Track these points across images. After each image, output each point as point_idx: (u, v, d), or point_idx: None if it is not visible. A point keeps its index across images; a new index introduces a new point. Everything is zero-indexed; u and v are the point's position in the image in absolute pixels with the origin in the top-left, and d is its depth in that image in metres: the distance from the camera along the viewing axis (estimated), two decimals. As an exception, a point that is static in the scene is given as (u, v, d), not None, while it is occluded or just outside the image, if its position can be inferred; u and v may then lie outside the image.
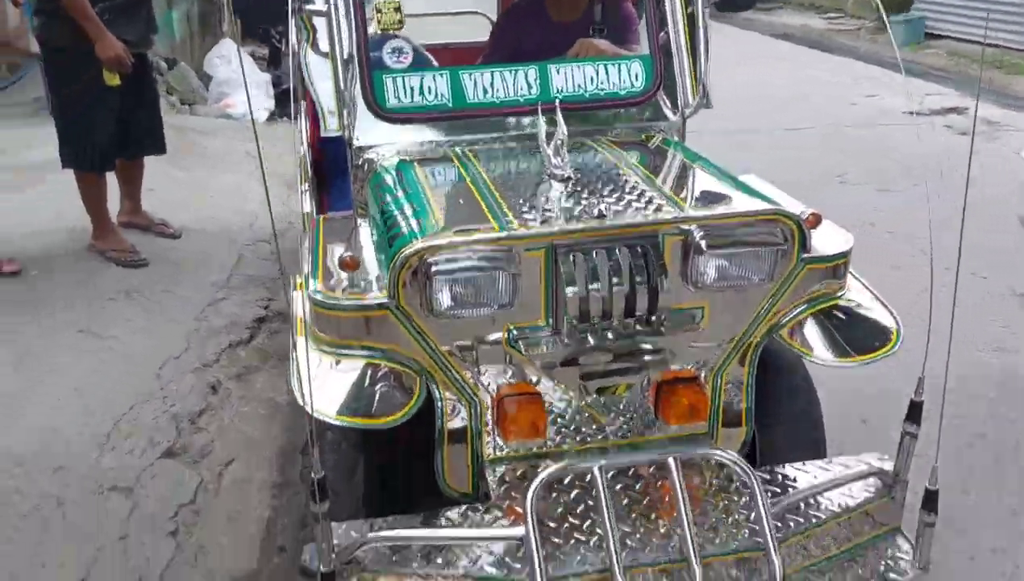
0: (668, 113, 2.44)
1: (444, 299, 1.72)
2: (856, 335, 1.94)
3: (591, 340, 1.76)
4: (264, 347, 3.52)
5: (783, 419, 2.11)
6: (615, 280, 1.73)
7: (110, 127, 3.77)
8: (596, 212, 1.77)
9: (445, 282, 1.71)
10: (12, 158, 5.23)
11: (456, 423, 1.87)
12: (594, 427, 1.94)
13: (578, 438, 1.94)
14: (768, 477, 1.91)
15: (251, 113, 6.31)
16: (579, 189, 1.93)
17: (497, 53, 2.77)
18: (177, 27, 7.78)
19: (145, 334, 3.38)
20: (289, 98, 6.70)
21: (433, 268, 1.69)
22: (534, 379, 1.86)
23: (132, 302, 3.62)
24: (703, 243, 1.76)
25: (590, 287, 1.73)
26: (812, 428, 2.12)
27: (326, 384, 1.74)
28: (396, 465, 2.02)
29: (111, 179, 4.05)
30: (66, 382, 2.98)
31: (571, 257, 1.73)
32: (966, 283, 3.56)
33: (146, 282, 3.80)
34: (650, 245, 1.76)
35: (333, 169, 2.53)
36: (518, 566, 1.67)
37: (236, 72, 7.23)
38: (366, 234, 2.12)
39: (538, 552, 1.59)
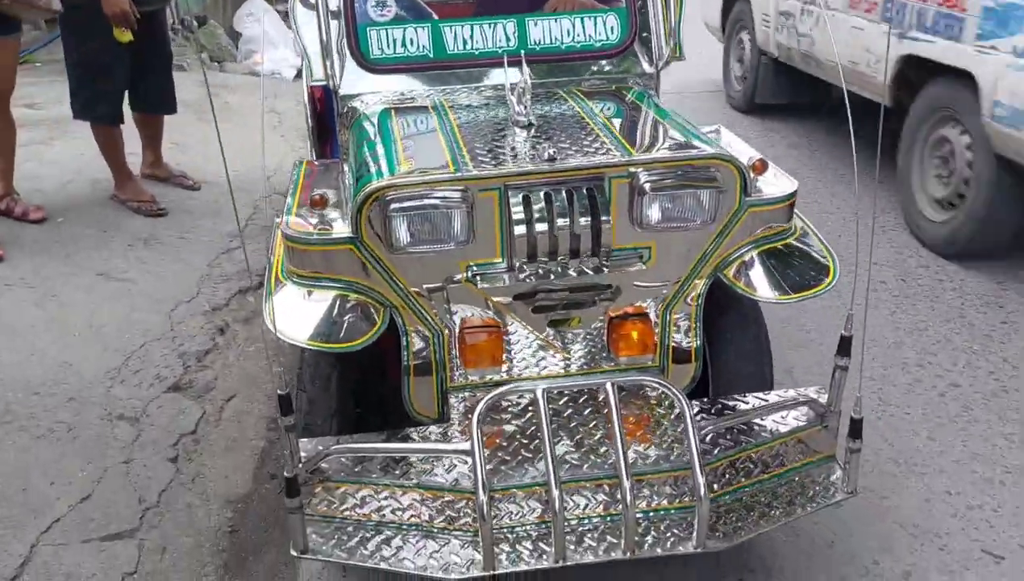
0: (644, 65, 2.52)
1: (403, 235, 1.85)
2: (797, 273, 2.03)
3: (541, 276, 1.91)
4: (272, 293, 3.68)
5: (733, 355, 2.20)
6: (560, 221, 1.85)
7: (119, 82, 3.92)
8: (547, 155, 1.87)
9: (402, 219, 1.84)
10: (45, 112, 5.44)
11: (421, 353, 2.00)
12: (553, 359, 2.06)
13: (536, 370, 2.06)
14: (708, 406, 2.05)
15: (262, 64, 6.44)
16: (538, 135, 2.03)
17: (483, 7, 2.86)
18: (208, -15, 7.92)
19: (159, 278, 3.57)
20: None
21: (392, 206, 1.82)
22: (494, 313, 1.98)
23: (149, 248, 3.80)
24: (647, 185, 1.87)
25: (537, 226, 1.85)
26: (761, 363, 2.20)
27: (299, 312, 1.90)
28: (369, 389, 2.20)
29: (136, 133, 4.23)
30: (82, 320, 3.17)
31: (521, 197, 1.85)
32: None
33: (164, 230, 3.98)
34: (596, 187, 1.88)
35: (334, 119, 2.69)
36: (467, 479, 1.83)
37: (264, 30, 7.36)
38: (346, 178, 2.22)
39: (481, 465, 1.71)
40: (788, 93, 5.89)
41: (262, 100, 2.02)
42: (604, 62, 2.52)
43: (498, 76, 2.39)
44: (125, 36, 3.82)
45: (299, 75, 7.37)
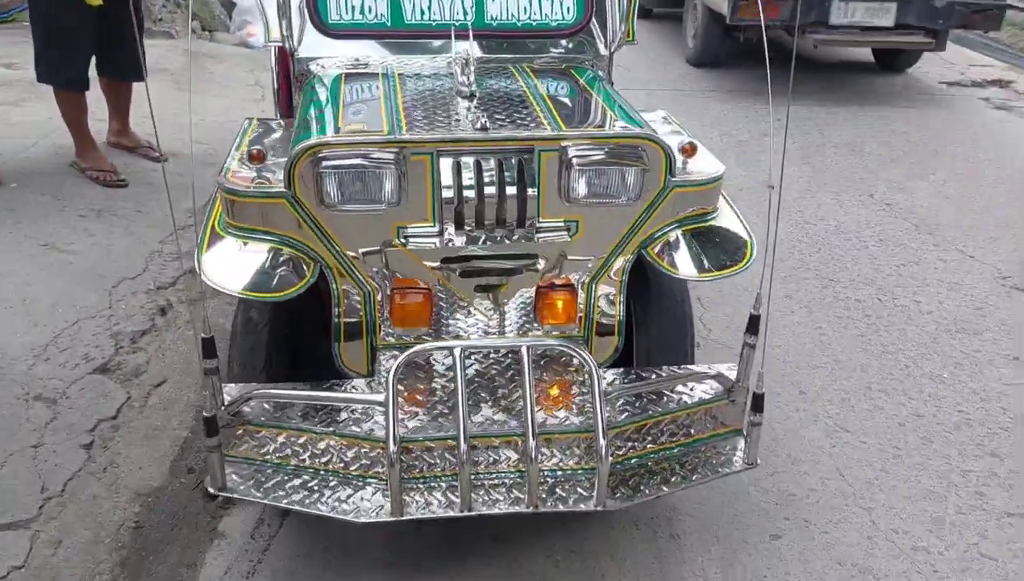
0: (599, 47, 2.61)
1: (333, 191, 1.91)
2: (717, 252, 2.10)
3: (469, 242, 1.98)
4: (223, 274, 3.55)
5: (656, 330, 2.26)
6: (489, 189, 1.92)
7: (86, 47, 3.80)
8: (479, 125, 1.93)
9: (333, 176, 1.90)
10: (22, 73, 5.31)
11: (353, 310, 2.07)
12: (479, 324, 2.12)
13: (464, 333, 2.11)
14: (623, 375, 2.13)
15: (255, 36, 6.28)
16: (478, 106, 2.09)
17: None
18: (206, -48, 7.76)
19: (107, 252, 3.44)
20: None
21: (324, 163, 1.88)
22: (424, 274, 2.04)
23: (101, 220, 3.68)
24: (574, 160, 1.93)
25: (466, 192, 1.91)
26: (683, 338, 2.27)
27: (233, 264, 1.95)
28: (300, 342, 2.25)
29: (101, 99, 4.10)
30: (17, 291, 3.05)
31: (452, 164, 1.92)
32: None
33: (120, 202, 3.86)
34: (525, 159, 1.94)
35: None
36: (382, 429, 1.89)
37: (259, 1, 7.20)
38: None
39: (393, 415, 1.78)
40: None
41: (190, 59, 1.90)
42: (560, 41, 2.60)
43: (452, 48, 2.41)
44: (95, 0, 3.69)
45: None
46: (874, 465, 2.56)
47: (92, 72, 4.03)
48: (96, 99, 4.16)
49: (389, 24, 2.51)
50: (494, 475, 1.92)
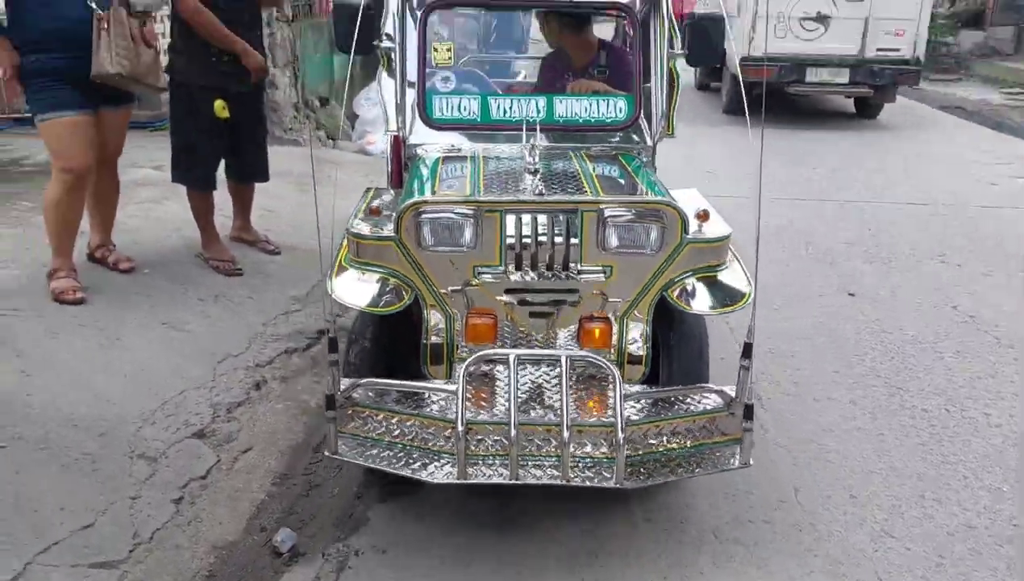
0: (647, 138, 3.18)
1: (428, 237, 2.52)
2: (723, 293, 2.62)
3: (525, 278, 2.57)
4: (317, 356, 3.90)
5: (677, 358, 2.76)
6: (542, 239, 2.51)
7: (215, 153, 4.35)
8: (537, 191, 2.54)
9: (428, 225, 2.51)
10: (167, 174, 6.00)
11: (437, 329, 2.66)
12: (536, 342, 2.71)
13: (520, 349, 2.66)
14: (644, 390, 2.67)
15: (373, 144, 6.85)
16: (540, 180, 2.63)
17: (537, 86, 3.71)
18: (337, 70, 8.58)
19: (217, 332, 3.86)
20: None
21: (422, 216, 2.50)
22: (492, 304, 2.62)
23: (217, 304, 4.13)
24: (608, 218, 2.49)
25: (524, 241, 2.52)
26: (700, 365, 2.76)
27: (355, 287, 2.62)
28: (396, 359, 2.83)
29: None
30: (136, 363, 3.47)
31: (515, 220, 2.51)
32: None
33: (235, 289, 4.31)
34: (570, 217, 2.51)
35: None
36: (453, 414, 2.38)
37: (380, 113, 7.87)
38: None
39: (462, 401, 2.33)
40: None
41: (313, 167, 2.46)
42: (613, 134, 3.18)
43: (525, 138, 2.95)
44: (224, 113, 4.26)
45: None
46: (915, 572, 2.56)
47: (221, 174, 4.60)
48: (223, 198, 4.71)
49: (479, 120, 3.14)
50: (538, 458, 2.43)
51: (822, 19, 9.38)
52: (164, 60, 4.22)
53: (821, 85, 9.76)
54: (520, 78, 5.25)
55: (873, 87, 9.72)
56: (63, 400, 3.14)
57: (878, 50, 9.51)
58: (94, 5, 3.63)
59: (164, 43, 4.42)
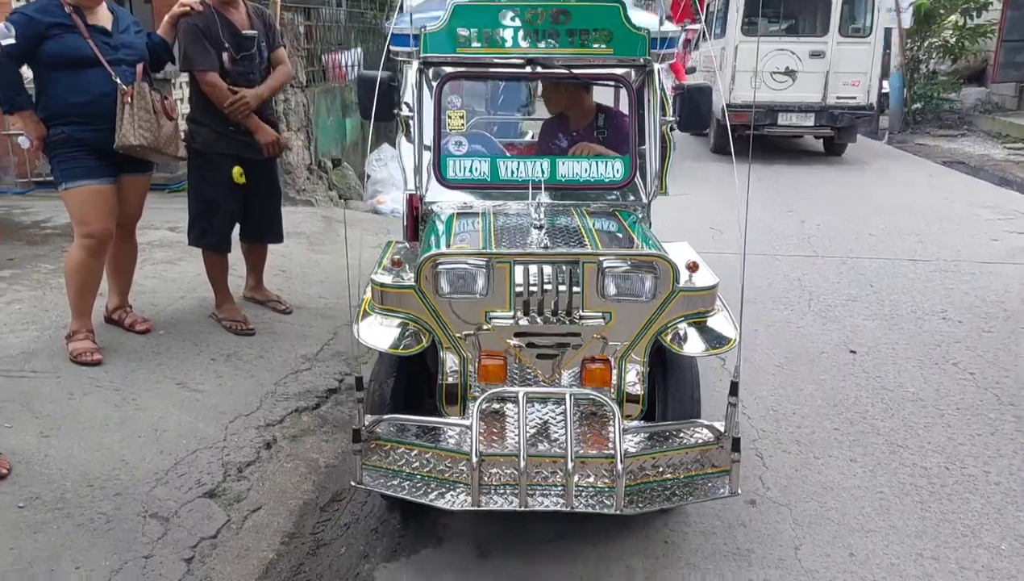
0: (642, 196, 3.46)
1: (445, 286, 2.77)
2: (711, 336, 2.86)
3: (533, 323, 2.82)
4: (326, 415, 3.99)
5: (672, 394, 2.97)
6: (547, 287, 2.77)
7: (231, 216, 4.50)
8: (543, 245, 2.81)
9: (445, 275, 2.76)
10: (182, 236, 6.17)
11: (452, 370, 2.88)
12: (542, 382, 2.92)
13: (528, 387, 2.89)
14: (641, 424, 2.89)
15: (384, 204, 7.00)
16: (545, 234, 2.88)
17: (539, 148, 4.01)
18: (349, 133, 8.81)
19: (229, 392, 3.96)
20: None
21: (439, 266, 2.76)
22: (503, 347, 2.87)
23: (229, 363, 4.23)
24: (607, 269, 2.75)
25: (532, 289, 2.77)
26: (692, 401, 2.95)
27: (378, 331, 2.86)
28: (418, 392, 3.11)
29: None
30: (151, 424, 3.56)
31: (522, 269, 2.77)
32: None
33: (247, 348, 4.42)
34: (572, 268, 2.78)
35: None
36: (467, 446, 2.61)
37: (390, 173, 8.08)
38: (418, 252, 3.17)
39: (475, 436, 2.57)
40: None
41: (345, 229, 2.65)
42: (611, 192, 3.45)
43: (531, 196, 3.22)
44: (241, 178, 4.42)
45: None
46: (914, 632, 2.58)
47: (235, 235, 4.74)
48: (236, 258, 4.85)
49: (489, 180, 3.43)
50: (545, 487, 2.65)
51: (790, 73, 11.26)
52: (183, 127, 4.41)
53: (790, 127, 11.45)
54: (528, 137, 5.54)
55: (835, 129, 11.51)
56: (80, 460, 3.24)
57: (837, 98, 11.26)
58: (118, 80, 3.82)
59: (182, 108, 4.62)
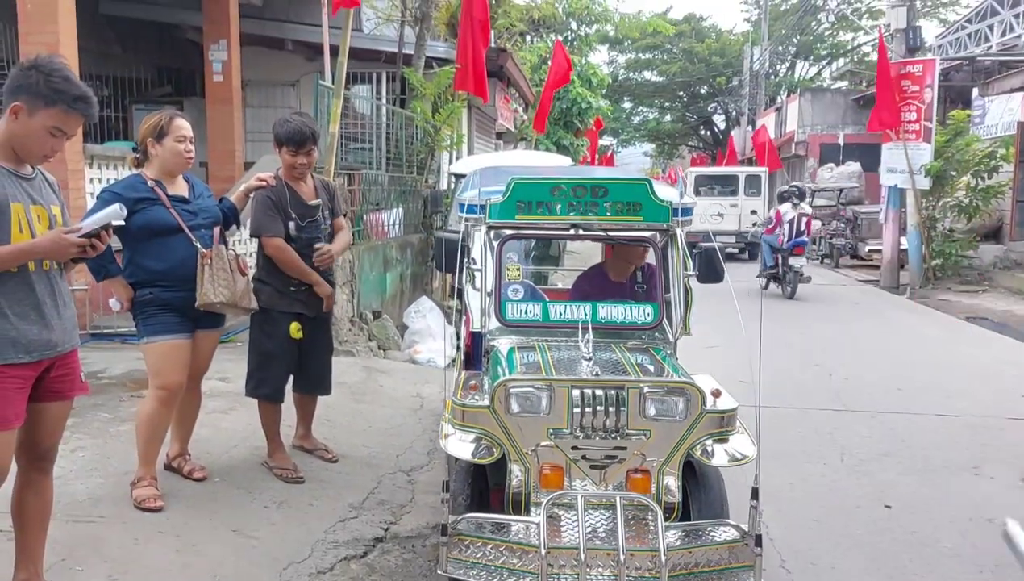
0: (669, 335, 4.10)
1: (515, 406, 3.31)
2: (733, 452, 3.35)
3: (587, 439, 3.32)
4: (373, 563, 4.10)
5: (703, 498, 3.43)
6: (599, 408, 3.28)
7: (287, 369, 4.78)
8: (594, 374, 3.38)
9: (515, 397, 3.30)
10: (233, 386, 6.45)
11: (518, 477, 3.33)
12: (595, 488, 3.37)
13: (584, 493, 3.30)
14: (678, 524, 3.30)
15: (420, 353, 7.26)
16: (594, 364, 3.47)
17: (577, 295, 4.65)
18: (389, 286, 9.25)
19: (282, 538, 4.10)
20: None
21: (511, 389, 3.30)
22: (562, 459, 3.33)
23: (281, 511, 4.39)
24: (647, 394, 3.31)
25: (586, 410, 3.29)
26: (719, 504, 3.40)
27: (459, 443, 3.36)
28: (490, 495, 3.57)
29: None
30: (209, 569, 3.70)
31: (579, 394, 3.28)
32: None
33: (297, 496, 4.58)
34: (619, 393, 3.30)
35: (476, 353, 4.18)
36: (536, 539, 3.07)
37: (427, 324, 8.42)
38: (486, 380, 3.76)
39: (543, 531, 3.04)
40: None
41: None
42: (644, 332, 4.09)
43: (579, 334, 3.78)
44: (298, 334, 4.74)
45: (451, 364, 8.29)
46: None
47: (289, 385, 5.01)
48: (286, 407, 5.09)
49: (541, 320, 4.08)
50: (599, 577, 3.04)
51: (720, 214, 21.00)
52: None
53: (723, 245, 16.52)
54: (559, 286, 6.67)
55: (747, 245, 19.78)
56: (143, 604, 3.37)
57: (746, 227, 20.48)
58: (198, 245, 4.21)
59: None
